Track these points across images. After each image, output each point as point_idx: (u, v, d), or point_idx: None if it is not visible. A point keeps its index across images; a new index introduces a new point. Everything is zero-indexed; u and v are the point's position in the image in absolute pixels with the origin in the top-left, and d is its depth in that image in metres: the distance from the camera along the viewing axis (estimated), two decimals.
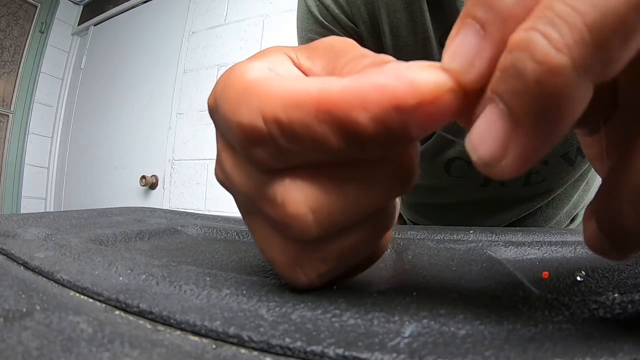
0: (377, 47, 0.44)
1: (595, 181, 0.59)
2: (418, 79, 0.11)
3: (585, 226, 0.13)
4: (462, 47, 0.11)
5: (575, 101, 0.09)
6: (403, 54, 0.43)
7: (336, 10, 0.43)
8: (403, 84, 0.11)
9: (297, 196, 0.13)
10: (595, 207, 0.12)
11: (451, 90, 0.11)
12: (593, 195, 0.66)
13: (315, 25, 0.45)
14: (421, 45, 0.41)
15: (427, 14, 0.40)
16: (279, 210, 0.13)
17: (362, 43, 0.45)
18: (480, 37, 0.11)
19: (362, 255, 0.16)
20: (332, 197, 0.13)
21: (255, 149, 0.13)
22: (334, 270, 0.15)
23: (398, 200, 0.17)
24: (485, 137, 0.11)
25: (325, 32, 0.44)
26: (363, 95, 0.11)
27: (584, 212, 0.13)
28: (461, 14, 0.11)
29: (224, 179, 0.15)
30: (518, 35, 0.10)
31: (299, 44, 0.48)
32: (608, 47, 0.09)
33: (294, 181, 0.13)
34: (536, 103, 0.09)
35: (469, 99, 0.12)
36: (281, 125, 0.12)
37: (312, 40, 0.45)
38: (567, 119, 0.10)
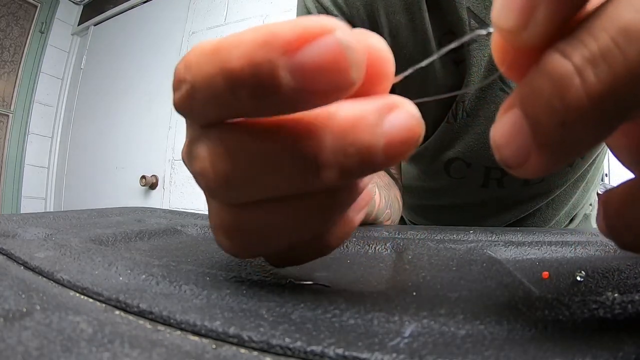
0: None
1: (594, 181, 0.59)
2: (304, 21, 0.10)
3: (605, 211, 0.12)
4: None
5: (599, 136, 0.10)
6: (402, 55, 0.43)
7: (335, 12, 0.43)
8: (284, 24, 0.11)
9: (204, 153, 0.13)
10: (622, 202, 0.12)
11: (341, 40, 0.10)
12: (593, 195, 0.67)
13: None
14: (420, 46, 0.42)
15: (427, 15, 0.40)
16: (191, 165, 0.14)
17: None
18: None
19: (293, 238, 0.14)
20: (234, 159, 0.12)
21: (174, 93, 0.13)
22: (260, 245, 0.15)
23: (366, 197, 0.16)
24: (509, 140, 0.11)
25: None
26: (244, 35, 0.11)
27: (600, 196, 0.13)
28: None
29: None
30: (556, 62, 0.09)
31: None
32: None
33: (206, 138, 0.13)
34: (559, 129, 0.10)
35: (520, 53, 0.11)
36: (188, 66, 0.12)
37: None
38: (589, 144, 0.10)
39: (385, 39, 0.42)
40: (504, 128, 0.11)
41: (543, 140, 0.10)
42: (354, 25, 0.44)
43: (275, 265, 0.17)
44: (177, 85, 0.12)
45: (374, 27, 0.43)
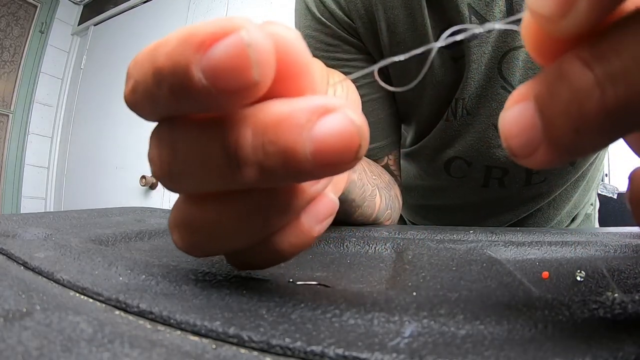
0: (374, 43, 0.44)
1: (595, 181, 0.59)
2: (221, 20, 0.11)
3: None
4: None
5: (609, 142, 0.10)
6: (400, 51, 0.43)
7: (333, 6, 0.43)
8: (206, 23, 0.11)
9: (153, 143, 0.13)
10: None
11: (243, 39, 0.10)
12: (593, 195, 0.67)
13: (313, 22, 0.45)
14: (419, 42, 0.41)
15: (426, 11, 0.40)
16: (147, 154, 0.14)
17: (359, 39, 0.45)
18: None
19: (238, 239, 0.15)
20: (173, 151, 0.13)
21: (124, 87, 0.13)
22: (207, 243, 0.15)
23: (328, 208, 0.15)
24: (520, 131, 0.11)
25: (323, 28, 0.44)
26: (172, 34, 0.11)
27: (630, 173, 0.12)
28: None
29: None
30: (579, 72, 0.10)
31: None
32: None
33: (156, 130, 0.14)
34: (573, 134, 0.10)
35: (552, 40, 0.11)
36: (134, 63, 0.12)
37: (310, 36, 0.45)
38: (598, 148, 0.10)
39: (382, 33, 0.43)
40: (516, 118, 0.11)
41: (554, 140, 0.10)
42: (352, 20, 0.44)
43: (236, 268, 0.17)
44: (126, 80, 0.13)
45: (372, 22, 0.43)
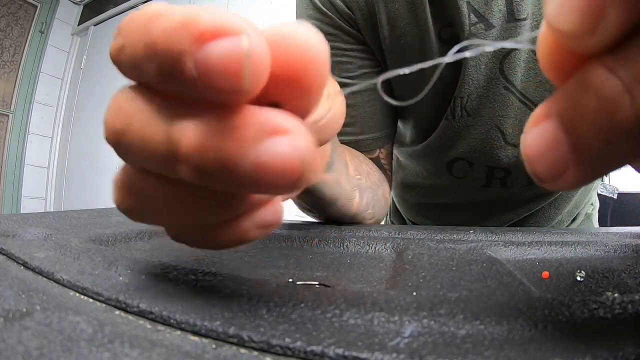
0: (374, 36, 0.44)
1: (596, 182, 0.59)
2: (226, 16, 0.10)
3: None
4: None
5: None
6: (400, 46, 0.43)
7: None
8: (212, 12, 0.10)
9: (109, 104, 0.13)
10: None
11: (243, 46, 0.10)
12: (594, 195, 0.66)
13: (313, 11, 0.45)
14: (419, 37, 0.41)
15: (428, 7, 0.40)
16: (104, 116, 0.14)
17: (359, 31, 0.45)
18: None
19: (171, 221, 0.15)
20: (121, 117, 0.13)
21: (112, 41, 0.13)
22: (139, 213, 0.15)
23: (273, 212, 0.15)
24: (544, 153, 0.10)
25: (323, 17, 0.45)
26: (176, 10, 0.11)
27: None
28: None
29: None
30: (604, 78, 0.09)
31: None
32: None
33: (114, 93, 0.13)
34: (605, 146, 0.09)
35: (571, 56, 0.10)
36: (128, 21, 0.12)
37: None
38: (632, 159, 0.10)
39: (382, 26, 0.43)
40: (538, 140, 0.10)
41: (585, 156, 0.10)
42: (352, 11, 0.43)
43: (172, 239, 0.16)
44: (115, 35, 0.13)
45: (372, 14, 0.43)
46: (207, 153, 0.11)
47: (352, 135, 0.46)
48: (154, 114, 0.12)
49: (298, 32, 0.11)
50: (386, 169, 0.50)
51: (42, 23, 2.34)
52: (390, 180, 0.51)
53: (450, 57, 0.13)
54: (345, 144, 0.46)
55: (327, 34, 0.45)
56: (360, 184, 0.39)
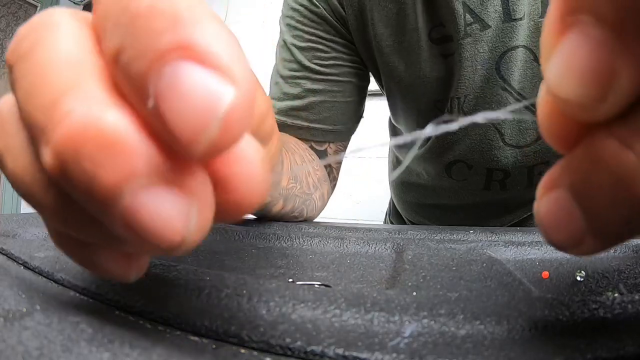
0: (364, 34, 0.44)
1: None
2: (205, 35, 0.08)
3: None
4: (581, 60, 0.08)
5: None
6: (389, 44, 0.43)
7: None
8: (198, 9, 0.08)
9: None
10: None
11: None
12: None
13: None
14: (409, 36, 0.41)
15: (419, 5, 0.40)
16: None
17: (344, 26, 0.45)
18: (611, 48, 0.07)
19: (59, 222, 0.11)
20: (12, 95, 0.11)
21: None
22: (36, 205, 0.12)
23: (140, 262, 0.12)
24: (559, 225, 0.09)
25: (309, 5, 0.45)
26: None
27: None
28: (559, 7, 0.08)
29: None
30: (618, 153, 0.08)
31: (282, 16, 0.48)
32: None
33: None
34: (624, 226, 0.09)
35: (575, 124, 0.09)
36: None
37: (294, 9, 0.45)
38: None
39: (375, 25, 0.42)
40: (551, 210, 0.10)
41: (602, 232, 0.09)
42: (342, 7, 0.44)
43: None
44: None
45: (363, 12, 0.43)
46: (76, 192, 0.09)
47: (306, 120, 0.46)
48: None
49: (247, 172, 0.10)
50: (333, 167, 0.49)
51: None
52: (334, 180, 0.51)
53: (429, 130, 0.11)
54: (297, 128, 0.45)
55: (310, 21, 0.45)
56: (288, 194, 0.37)
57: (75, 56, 0.09)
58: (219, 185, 0.10)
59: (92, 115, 0.08)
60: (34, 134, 0.10)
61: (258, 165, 0.10)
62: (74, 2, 2.48)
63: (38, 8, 2.32)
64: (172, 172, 0.09)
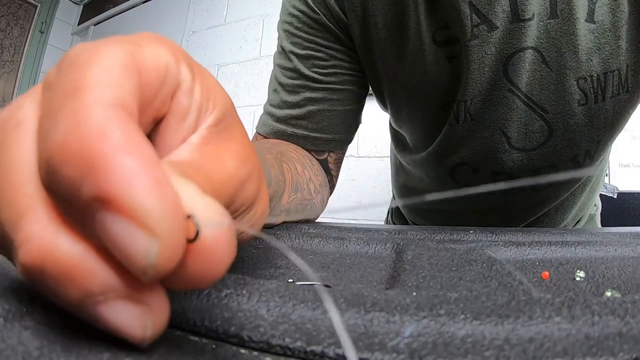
0: (367, 39, 0.44)
1: (599, 182, 0.58)
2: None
3: None
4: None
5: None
6: (393, 49, 0.43)
7: None
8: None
9: None
10: None
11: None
12: (597, 195, 0.65)
13: (299, 3, 0.44)
14: (412, 39, 0.41)
15: (421, 6, 0.39)
16: None
17: (347, 35, 0.44)
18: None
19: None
20: None
21: None
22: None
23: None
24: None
25: (309, 11, 0.44)
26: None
27: None
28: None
29: None
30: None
31: (279, 21, 0.47)
32: None
33: None
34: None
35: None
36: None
37: (293, 15, 0.44)
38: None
39: (378, 29, 0.42)
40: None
41: None
42: (344, 13, 0.43)
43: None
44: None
45: (366, 17, 0.42)
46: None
47: (306, 129, 0.46)
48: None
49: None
50: (333, 175, 0.50)
51: (42, 23, 2.34)
52: (333, 187, 0.51)
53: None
54: (297, 137, 0.45)
55: (308, 27, 0.44)
56: (289, 207, 0.37)
57: (29, 173, 0.10)
58: (182, 265, 0.10)
59: (47, 244, 0.09)
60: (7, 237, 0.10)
61: (220, 243, 0.10)
62: (74, 2, 2.48)
63: (38, 8, 2.32)
64: (127, 287, 0.10)
